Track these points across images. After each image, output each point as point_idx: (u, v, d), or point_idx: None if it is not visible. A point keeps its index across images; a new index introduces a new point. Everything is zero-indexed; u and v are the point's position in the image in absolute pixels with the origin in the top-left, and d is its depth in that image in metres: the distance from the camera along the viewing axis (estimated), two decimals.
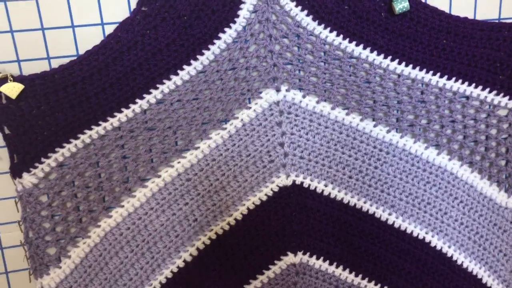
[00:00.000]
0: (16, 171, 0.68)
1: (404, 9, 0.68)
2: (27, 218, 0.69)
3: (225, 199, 0.72)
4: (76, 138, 0.67)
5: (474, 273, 0.82)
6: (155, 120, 0.68)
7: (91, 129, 0.67)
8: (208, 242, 0.75)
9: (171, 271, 0.75)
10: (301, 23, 0.68)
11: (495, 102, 0.76)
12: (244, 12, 0.66)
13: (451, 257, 0.81)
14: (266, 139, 0.71)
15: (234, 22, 0.66)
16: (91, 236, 0.72)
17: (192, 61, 0.67)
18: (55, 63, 0.66)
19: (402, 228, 0.79)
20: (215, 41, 0.67)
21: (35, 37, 0.65)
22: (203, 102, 0.69)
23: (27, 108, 0.65)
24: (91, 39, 0.65)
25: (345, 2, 0.69)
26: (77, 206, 0.71)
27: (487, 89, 0.76)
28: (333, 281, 0.78)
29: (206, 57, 0.67)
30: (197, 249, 0.75)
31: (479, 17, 0.75)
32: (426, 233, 0.80)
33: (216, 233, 0.74)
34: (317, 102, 0.72)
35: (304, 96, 0.71)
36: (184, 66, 0.67)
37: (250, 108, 0.70)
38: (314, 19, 0.69)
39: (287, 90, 0.71)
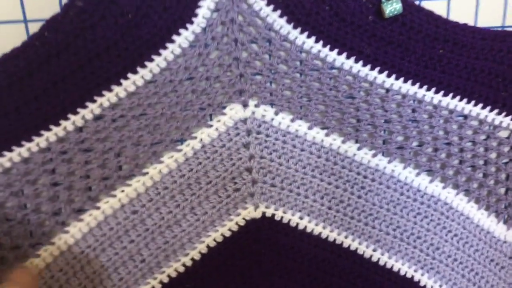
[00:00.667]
0: None
1: (395, 12, 0.57)
2: None
3: (179, 236, 0.60)
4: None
5: None
6: (93, 140, 0.55)
7: (11, 150, 0.52)
8: (158, 286, 0.62)
9: None
10: (273, 25, 0.56)
11: (496, 122, 0.67)
12: (204, 11, 0.53)
13: None
14: (231, 164, 0.58)
15: (191, 23, 0.53)
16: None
17: (138, 69, 0.54)
18: None
19: (388, 265, 0.69)
20: (168, 45, 0.54)
21: None
22: (153, 118, 0.56)
23: None
24: (11, 40, 0.50)
25: (326, 2, 0.57)
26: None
27: (488, 108, 0.67)
28: None
29: (156, 64, 0.54)
30: None
31: (481, 24, 0.65)
32: (415, 271, 0.70)
33: (168, 275, 0.62)
34: (292, 120, 0.60)
35: (276, 113, 0.59)
36: (129, 75, 0.54)
37: (211, 126, 0.58)
38: (288, 22, 0.56)
39: (256, 106, 0.58)
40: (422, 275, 0.70)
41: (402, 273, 0.70)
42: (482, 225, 0.71)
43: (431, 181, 0.67)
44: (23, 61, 0.52)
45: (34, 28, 0.53)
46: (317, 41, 0.60)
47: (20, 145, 0.55)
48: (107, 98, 0.55)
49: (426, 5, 0.62)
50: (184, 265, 0.62)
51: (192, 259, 0.63)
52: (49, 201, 0.57)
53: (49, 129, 0.55)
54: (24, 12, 0.52)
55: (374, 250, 0.68)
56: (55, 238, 0.59)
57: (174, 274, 0.63)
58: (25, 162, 0.55)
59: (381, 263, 0.69)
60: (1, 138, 0.54)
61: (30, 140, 0.55)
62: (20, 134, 0.54)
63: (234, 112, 0.60)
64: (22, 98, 0.53)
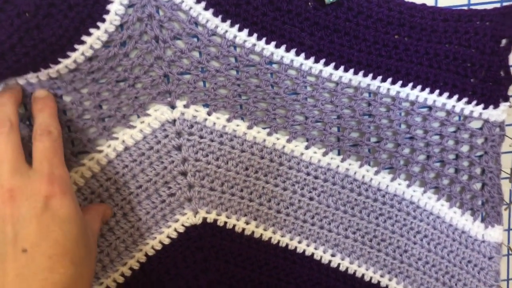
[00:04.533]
0: None
1: None
2: None
3: (114, 244, 0.56)
4: None
5: None
6: None
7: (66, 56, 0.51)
8: None
9: None
10: (198, 19, 0.50)
11: (466, 112, 0.61)
12: (116, 7, 0.48)
13: None
14: (162, 167, 0.54)
15: (103, 21, 0.49)
16: None
17: (43, 71, 0.48)
18: None
19: (350, 271, 0.66)
20: (77, 46, 0.48)
21: None
22: (67, 122, 0.51)
23: None
24: None
25: None
26: None
27: (455, 96, 0.61)
28: None
29: (64, 65, 0.48)
30: None
31: (442, 3, 0.55)
32: (382, 276, 0.66)
33: (107, 286, 0.56)
34: (229, 120, 0.54)
35: (209, 113, 0.54)
36: (31, 81, 0.48)
37: (134, 127, 0.52)
38: (215, 14, 0.51)
39: (185, 106, 0.53)
40: (390, 279, 0.66)
41: (366, 278, 0.66)
42: (455, 224, 0.66)
43: (393, 179, 0.62)
44: None
45: None
46: (250, 34, 0.54)
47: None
48: None
49: None
50: (123, 275, 0.58)
51: (131, 268, 0.59)
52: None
53: None
54: None
55: (333, 255, 0.64)
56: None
57: (113, 286, 0.59)
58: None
59: (342, 268, 0.65)
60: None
61: None
62: None
63: (159, 113, 0.55)
64: None
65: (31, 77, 0.52)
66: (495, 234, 0.67)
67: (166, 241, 0.61)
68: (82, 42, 0.52)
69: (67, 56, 0.52)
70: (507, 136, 0.65)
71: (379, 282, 0.66)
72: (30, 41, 0.49)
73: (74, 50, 0.52)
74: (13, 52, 0.48)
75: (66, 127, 0.55)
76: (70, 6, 0.50)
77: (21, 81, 0.52)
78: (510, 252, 0.72)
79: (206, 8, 0.54)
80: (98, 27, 0.52)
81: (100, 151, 0.57)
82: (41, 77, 0.52)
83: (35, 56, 0.50)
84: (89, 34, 0.52)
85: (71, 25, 0.51)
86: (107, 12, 0.52)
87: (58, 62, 0.51)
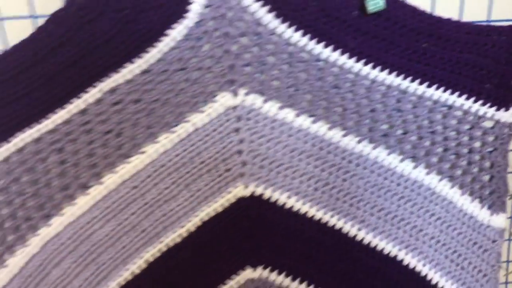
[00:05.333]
0: None
1: (378, 8, 0.60)
2: None
3: (176, 209, 0.66)
4: (8, 142, 0.59)
5: None
6: (95, 122, 0.61)
7: (24, 132, 0.58)
8: (158, 254, 0.71)
9: (118, 284, 0.70)
10: (261, 20, 0.60)
11: (481, 112, 0.70)
12: (195, 7, 0.58)
13: (425, 276, 0.75)
14: (222, 146, 0.63)
15: (185, 18, 0.58)
16: (30, 245, 0.64)
17: (135, 59, 0.59)
18: None
19: (372, 245, 0.74)
20: (162, 38, 0.59)
21: None
22: (149, 103, 0.62)
23: None
24: (19, 33, 0.56)
25: None
26: (14, 213, 0.63)
27: (472, 99, 0.70)
28: None
29: (151, 55, 0.59)
30: (146, 261, 0.71)
31: (466, 18, 0.66)
32: (399, 250, 0.74)
33: (167, 245, 0.68)
34: (280, 108, 0.64)
35: (265, 101, 0.64)
36: (127, 64, 0.59)
37: (203, 112, 0.63)
38: (276, 17, 0.60)
39: (246, 94, 0.62)
40: (406, 254, 0.74)
41: (385, 252, 0.74)
42: (465, 210, 0.74)
43: (415, 167, 0.71)
44: (30, 52, 0.57)
45: (42, 22, 0.58)
46: (303, 35, 0.63)
47: (30, 128, 0.60)
48: (107, 84, 0.60)
49: (411, 0, 0.64)
50: (181, 235, 0.67)
51: (188, 231, 0.68)
52: (58, 177, 0.63)
53: (55, 113, 0.60)
54: (32, 9, 0.56)
55: (359, 230, 0.72)
56: (64, 210, 0.65)
57: (171, 244, 0.69)
58: (36, 142, 0.61)
59: (365, 242, 0.74)
60: (10, 123, 0.59)
61: (39, 123, 0.60)
62: (29, 118, 0.60)
63: (224, 100, 0.64)
64: (28, 86, 0.59)
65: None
66: (499, 220, 0.76)
67: (219, 209, 0.71)
68: (167, 35, 0.62)
69: (154, 46, 0.62)
70: None
71: (396, 256, 0.76)
72: (126, 31, 0.59)
73: (160, 41, 0.62)
74: (114, 40, 0.58)
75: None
76: (160, 4, 0.60)
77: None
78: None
79: (269, 11, 0.64)
80: (180, 23, 0.62)
81: (174, 132, 0.67)
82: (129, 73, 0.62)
83: (129, 45, 0.60)
84: (172, 28, 0.62)
85: (159, 20, 0.60)
86: (188, 11, 0.62)
87: (147, 52, 0.61)
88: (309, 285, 0.75)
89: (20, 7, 0.59)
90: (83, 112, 0.63)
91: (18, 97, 0.61)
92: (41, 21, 0.60)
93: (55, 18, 0.59)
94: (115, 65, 0.61)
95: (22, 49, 0.60)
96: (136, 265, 0.71)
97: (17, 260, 0.67)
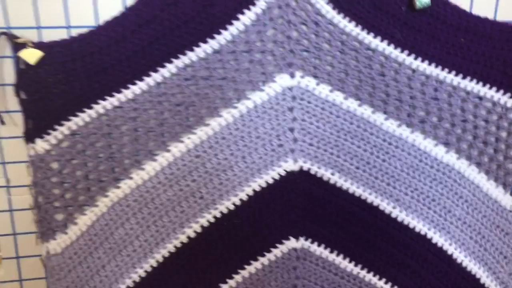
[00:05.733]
0: (29, 137, 0.71)
1: (425, 5, 0.68)
2: (38, 183, 0.72)
3: (232, 179, 0.73)
4: (90, 108, 0.69)
5: (473, 272, 0.83)
6: (169, 94, 0.69)
7: (105, 99, 0.67)
8: (212, 220, 0.78)
9: (175, 246, 0.77)
10: (320, 11, 0.68)
11: (508, 104, 0.77)
12: None
13: (451, 255, 0.82)
14: (277, 123, 0.71)
15: (254, 5, 0.66)
16: (99, 205, 0.73)
17: (208, 40, 0.68)
18: (75, 32, 0.69)
19: (405, 222, 0.80)
20: (234, 22, 0.67)
21: (56, 5, 0.67)
22: (216, 80, 0.70)
23: (44, 75, 0.67)
24: (111, 10, 0.67)
25: None
26: (87, 175, 0.73)
27: (501, 91, 0.77)
28: (332, 269, 0.79)
29: (223, 37, 0.67)
30: (201, 226, 0.77)
31: (500, 18, 0.76)
32: (429, 229, 0.81)
33: (221, 212, 0.75)
34: (331, 91, 0.72)
35: (318, 84, 0.71)
36: (200, 44, 0.68)
37: (263, 90, 0.71)
38: (334, 8, 0.68)
39: (301, 77, 0.70)
40: (435, 233, 0.81)
41: (417, 230, 0.81)
42: (490, 194, 0.82)
43: (447, 152, 0.78)
44: (120, 27, 0.67)
45: (130, 2, 0.68)
46: (356, 25, 0.72)
47: (112, 96, 0.70)
48: (182, 60, 0.71)
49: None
50: (234, 203, 0.75)
51: (241, 199, 0.76)
52: (130, 144, 0.72)
53: (135, 84, 0.70)
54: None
55: (394, 208, 0.79)
56: (133, 174, 0.72)
57: (225, 211, 0.76)
58: (114, 110, 0.70)
59: (399, 219, 0.81)
60: (98, 89, 0.70)
61: (120, 92, 0.70)
62: (113, 87, 0.70)
63: (282, 80, 0.72)
64: (117, 57, 0.68)
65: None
66: None
67: (270, 181, 0.79)
68: (238, 19, 0.70)
69: (226, 29, 0.70)
70: None
71: (426, 234, 0.82)
72: (204, 14, 0.67)
73: (231, 24, 0.70)
74: (192, 21, 0.67)
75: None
76: None
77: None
78: None
79: (327, 3, 0.72)
80: (250, 9, 0.70)
81: (235, 107, 0.74)
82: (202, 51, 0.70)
83: (205, 26, 0.68)
84: (243, 13, 0.70)
85: (232, 6, 0.69)
86: None
87: (220, 33, 0.70)
88: (345, 257, 0.82)
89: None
90: (158, 85, 0.71)
91: (105, 68, 0.69)
92: (130, 1, 0.68)
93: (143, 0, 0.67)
94: (191, 44, 0.69)
95: (113, 25, 0.68)
96: (192, 229, 0.78)
97: (85, 219, 0.75)
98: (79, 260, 0.75)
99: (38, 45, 0.66)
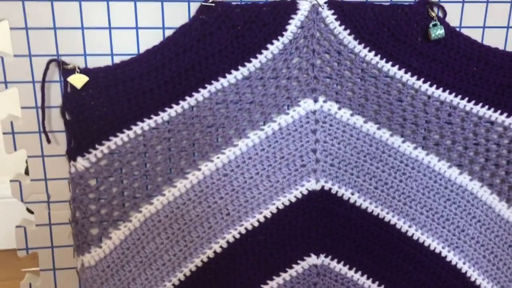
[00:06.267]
0: (71, 155, 0.77)
1: (439, 36, 0.74)
2: (76, 198, 0.77)
3: (257, 197, 0.78)
4: (129, 129, 0.75)
5: None
6: (201, 116, 0.75)
7: (143, 121, 0.74)
8: (238, 236, 0.82)
9: (201, 261, 0.82)
10: (343, 41, 0.74)
11: None
12: (292, 27, 0.73)
13: (465, 273, 0.86)
14: (300, 144, 0.77)
15: (282, 36, 0.73)
16: (132, 221, 0.78)
17: (240, 67, 0.74)
18: (118, 59, 0.76)
19: (421, 241, 0.85)
20: (263, 51, 0.74)
21: (102, 35, 0.74)
22: (244, 104, 0.76)
23: (88, 98, 0.73)
24: (151, 40, 0.73)
25: (385, 25, 0.75)
26: (122, 192, 0.78)
27: None
28: (351, 285, 0.84)
29: (253, 64, 0.74)
30: (227, 242, 0.82)
31: (509, 48, 0.82)
32: (443, 247, 0.85)
33: (245, 228, 0.80)
34: (351, 115, 0.78)
35: (339, 108, 0.77)
36: (232, 71, 0.74)
37: (288, 114, 0.77)
38: (355, 39, 0.75)
39: (324, 101, 0.77)
40: (449, 252, 0.86)
41: (432, 248, 0.86)
42: (502, 215, 0.86)
43: (460, 173, 0.84)
44: (159, 55, 0.74)
45: (168, 33, 0.76)
46: (376, 54, 0.78)
47: (150, 118, 0.76)
48: (215, 86, 0.77)
49: (464, 31, 0.79)
50: (258, 220, 0.81)
51: (265, 217, 0.82)
52: (164, 162, 0.78)
53: (171, 107, 0.77)
54: (163, 21, 0.72)
55: (410, 226, 0.84)
56: (165, 191, 0.79)
57: (250, 228, 0.82)
58: (151, 131, 0.76)
59: (415, 238, 0.85)
60: (137, 111, 0.77)
61: (157, 114, 0.77)
62: (151, 109, 0.77)
63: (306, 105, 0.79)
64: (155, 82, 0.76)
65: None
66: None
67: (293, 200, 0.84)
68: (267, 48, 0.77)
69: (256, 57, 0.77)
70: None
71: (440, 252, 0.87)
72: (236, 43, 0.74)
73: (261, 53, 0.77)
74: (226, 50, 0.74)
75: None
76: (264, 23, 0.75)
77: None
78: None
79: (350, 34, 0.79)
80: (278, 39, 0.77)
81: (262, 129, 0.81)
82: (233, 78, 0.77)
83: (237, 55, 0.75)
84: (272, 43, 0.77)
85: (262, 36, 0.76)
86: (286, 30, 0.77)
87: (250, 61, 0.77)
88: (363, 274, 0.86)
89: (153, 19, 0.74)
90: (192, 108, 0.78)
91: (144, 92, 0.76)
92: (169, 32, 0.75)
93: (181, 30, 0.75)
94: (224, 71, 0.76)
95: (153, 53, 0.75)
96: (219, 245, 0.83)
97: (119, 234, 0.81)
98: (112, 273, 0.81)
99: (85, 71, 0.73)
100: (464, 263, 0.86)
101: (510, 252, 0.86)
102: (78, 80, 0.70)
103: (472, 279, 0.86)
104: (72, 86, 0.71)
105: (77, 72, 0.71)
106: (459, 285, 0.86)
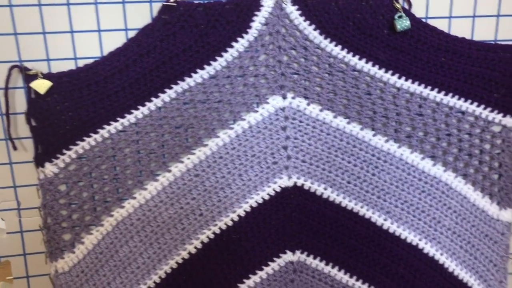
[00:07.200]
0: (39, 161, 0.78)
1: (405, 28, 0.76)
2: (47, 205, 0.78)
3: (230, 196, 0.79)
4: (96, 132, 0.76)
5: (465, 281, 0.88)
6: (169, 117, 0.76)
7: (110, 124, 0.75)
8: (212, 236, 0.83)
9: (176, 262, 0.83)
10: (308, 36, 0.76)
11: (490, 118, 0.83)
12: (256, 24, 0.74)
13: (443, 264, 0.87)
14: (271, 142, 0.78)
15: (247, 33, 0.74)
16: (104, 225, 0.79)
17: (205, 66, 0.75)
18: (81, 63, 0.76)
19: (397, 233, 0.86)
20: (228, 49, 0.75)
21: (64, 39, 0.75)
22: (213, 103, 0.77)
23: (53, 103, 0.74)
24: (114, 42, 0.74)
25: (350, 18, 0.76)
26: (93, 196, 0.79)
27: (482, 106, 0.83)
28: (328, 281, 0.84)
29: (218, 63, 0.75)
30: (202, 242, 0.83)
31: (476, 38, 0.83)
32: (420, 240, 0.86)
33: (220, 228, 0.81)
34: (321, 110, 0.79)
35: (308, 104, 0.79)
36: (198, 70, 0.75)
37: (257, 111, 0.78)
38: (321, 34, 0.76)
39: (292, 98, 0.78)
40: (426, 243, 0.87)
41: (408, 240, 0.87)
42: (477, 204, 0.87)
43: (433, 165, 0.85)
44: (123, 57, 0.75)
45: (132, 34, 0.76)
46: (342, 49, 0.79)
47: (116, 121, 0.77)
48: (181, 86, 0.77)
49: (430, 22, 0.81)
50: (232, 219, 0.82)
51: (239, 215, 0.83)
52: (133, 165, 0.78)
53: (137, 109, 0.77)
54: (125, 23, 0.74)
55: (385, 220, 0.85)
56: (136, 194, 0.80)
57: (224, 227, 0.83)
58: (118, 134, 0.77)
59: (391, 231, 0.86)
60: (103, 115, 0.77)
61: (123, 117, 0.78)
62: (117, 112, 0.78)
63: (275, 102, 0.80)
64: (120, 85, 0.76)
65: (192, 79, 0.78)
66: (507, 215, 0.88)
67: (266, 197, 0.86)
68: (232, 46, 0.78)
69: (221, 56, 0.78)
70: None
71: (417, 244, 0.87)
72: (200, 43, 0.75)
73: (226, 51, 0.78)
74: (190, 49, 0.75)
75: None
76: (228, 21, 0.76)
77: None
78: None
79: (315, 29, 0.80)
80: (243, 37, 0.78)
81: (232, 128, 0.82)
82: (199, 77, 0.78)
83: (202, 54, 0.76)
84: (237, 41, 0.78)
85: (227, 34, 0.77)
86: (250, 27, 0.78)
87: (215, 60, 0.78)
88: (340, 269, 0.87)
89: (116, 22, 0.75)
90: (159, 109, 0.79)
91: (109, 95, 0.76)
92: (132, 33, 0.76)
93: (144, 31, 0.76)
94: (189, 71, 0.77)
95: (117, 56, 0.76)
96: (193, 246, 0.85)
97: (92, 238, 0.82)
98: (86, 278, 0.82)
99: (48, 76, 0.74)
100: (441, 254, 0.87)
101: (486, 242, 0.88)
102: (41, 86, 0.71)
103: (450, 269, 0.87)
104: (36, 92, 0.72)
105: (40, 77, 0.72)
106: (437, 276, 0.87)
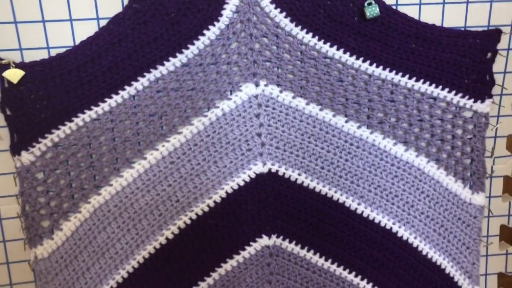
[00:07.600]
0: (15, 150, 0.79)
1: (374, 15, 0.77)
2: (24, 192, 0.79)
3: (205, 183, 0.81)
4: (71, 121, 0.77)
5: (438, 263, 0.91)
6: (142, 106, 0.77)
7: (84, 113, 0.76)
8: (188, 222, 0.85)
9: (154, 247, 0.84)
10: (279, 24, 0.77)
11: (461, 104, 0.85)
12: (227, 12, 0.75)
13: (417, 247, 0.90)
14: (245, 129, 0.80)
15: (218, 21, 0.75)
16: (82, 212, 0.81)
17: (177, 54, 0.77)
18: (54, 52, 0.77)
19: (370, 218, 0.88)
20: (200, 37, 0.76)
21: (37, 29, 0.75)
22: (186, 91, 0.78)
23: (27, 92, 0.75)
24: (86, 31, 0.75)
25: (321, 6, 0.77)
26: (70, 183, 0.80)
27: (453, 92, 0.85)
28: (304, 264, 0.87)
29: (190, 51, 0.76)
30: (179, 228, 0.85)
31: (446, 24, 0.84)
32: (393, 223, 0.88)
33: (196, 213, 0.83)
34: (293, 98, 0.81)
35: (281, 91, 0.80)
36: (170, 58, 0.77)
37: (230, 99, 0.79)
38: (292, 21, 0.77)
39: (265, 85, 0.79)
40: (399, 227, 0.89)
41: (382, 225, 0.89)
42: (450, 188, 0.90)
43: (406, 150, 0.87)
44: (95, 46, 0.76)
45: (103, 23, 0.77)
46: (313, 36, 0.81)
47: (90, 109, 0.78)
48: (153, 74, 0.79)
49: (400, 9, 0.82)
50: (208, 205, 0.84)
51: (215, 201, 0.85)
52: (109, 153, 0.80)
53: (111, 97, 0.79)
54: (97, 12, 0.75)
55: (359, 204, 0.88)
56: (112, 181, 0.81)
57: (200, 213, 0.85)
58: (93, 122, 0.79)
59: (365, 215, 0.88)
60: (77, 103, 0.79)
61: (97, 105, 0.79)
62: (91, 100, 0.79)
63: (248, 89, 0.82)
64: (93, 73, 0.77)
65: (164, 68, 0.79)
66: (479, 199, 0.91)
67: (241, 184, 0.87)
68: (203, 34, 0.80)
69: (193, 43, 0.79)
70: (490, 124, 0.91)
71: (391, 228, 0.90)
72: (172, 31, 0.77)
73: (198, 39, 0.79)
74: (161, 37, 0.76)
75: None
76: (198, 9, 0.77)
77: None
78: (490, 214, 0.99)
79: (286, 16, 0.81)
80: (214, 25, 0.80)
81: (206, 116, 0.84)
82: (172, 65, 0.80)
83: (173, 42, 0.78)
84: (208, 29, 0.79)
85: (198, 23, 0.78)
86: (221, 15, 0.79)
87: (187, 48, 0.79)
88: (315, 253, 0.89)
89: (87, 11, 0.77)
90: (133, 97, 0.81)
91: (83, 84, 0.78)
92: (104, 22, 0.77)
93: (115, 20, 0.77)
94: (161, 59, 0.79)
95: (88, 44, 0.77)
96: (170, 231, 0.87)
97: (70, 225, 0.83)
98: (65, 263, 0.84)
99: (20, 65, 0.75)
100: (415, 238, 0.89)
101: (460, 225, 0.90)
102: (14, 75, 0.72)
103: (424, 252, 0.89)
104: (9, 81, 0.73)
105: (12, 66, 0.73)
106: (412, 259, 0.89)
